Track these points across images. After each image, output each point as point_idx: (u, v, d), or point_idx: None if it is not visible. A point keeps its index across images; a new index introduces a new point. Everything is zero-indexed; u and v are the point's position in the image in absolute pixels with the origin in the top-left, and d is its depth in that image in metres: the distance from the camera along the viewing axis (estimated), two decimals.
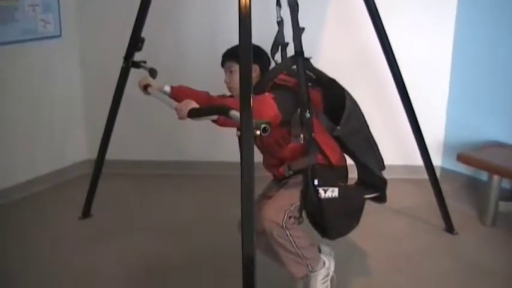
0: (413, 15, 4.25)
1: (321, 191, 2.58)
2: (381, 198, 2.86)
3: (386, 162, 4.43)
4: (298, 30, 2.59)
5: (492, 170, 3.68)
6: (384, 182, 2.83)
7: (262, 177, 2.66)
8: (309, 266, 2.73)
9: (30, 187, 4.21)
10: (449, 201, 3.72)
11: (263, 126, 2.17)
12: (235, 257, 2.48)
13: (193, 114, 2.44)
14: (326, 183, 2.59)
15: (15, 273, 3.21)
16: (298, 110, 2.55)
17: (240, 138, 2.17)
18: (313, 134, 2.58)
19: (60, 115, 4.43)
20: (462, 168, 4.26)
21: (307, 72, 2.66)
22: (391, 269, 3.27)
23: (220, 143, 4.20)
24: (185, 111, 2.41)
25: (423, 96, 4.11)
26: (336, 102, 2.66)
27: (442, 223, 3.68)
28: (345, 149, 2.76)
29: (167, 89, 2.95)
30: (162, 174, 4.53)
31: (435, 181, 3.62)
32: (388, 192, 4.21)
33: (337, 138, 2.71)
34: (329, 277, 2.85)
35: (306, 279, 2.81)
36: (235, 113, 2.23)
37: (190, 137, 4.41)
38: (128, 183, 4.44)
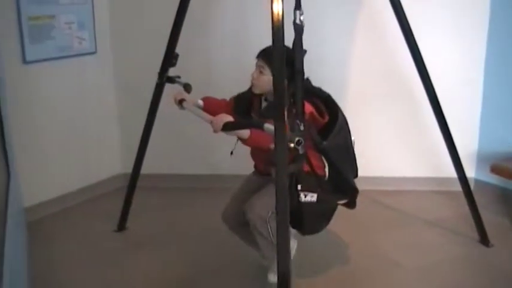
0: (445, 27, 4.24)
1: (302, 195, 2.80)
2: (351, 204, 3.06)
3: (418, 174, 4.48)
4: (300, 52, 2.67)
5: None
6: (355, 190, 3.03)
7: None
8: None
9: (65, 201, 4.29)
10: (484, 213, 3.68)
11: (297, 139, 2.21)
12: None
13: (227, 127, 2.49)
14: (307, 189, 2.81)
15: (52, 287, 3.26)
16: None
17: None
18: None
19: (95, 130, 4.50)
20: (496, 180, 4.23)
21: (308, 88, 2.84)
22: (425, 280, 3.25)
23: None
24: (220, 124, 2.49)
25: (456, 108, 4.09)
26: (329, 117, 2.88)
27: (477, 235, 3.65)
28: (326, 158, 2.94)
29: (201, 103, 3.04)
30: (196, 188, 4.57)
31: (469, 193, 3.59)
32: (422, 203, 4.24)
33: (321, 150, 2.87)
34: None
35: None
36: (269, 126, 2.27)
37: (223, 151, 4.43)
38: (162, 197, 4.48)
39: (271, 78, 2.77)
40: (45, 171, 4.15)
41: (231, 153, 3.02)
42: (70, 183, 4.35)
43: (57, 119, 4.19)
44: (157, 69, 3.55)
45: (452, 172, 3.60)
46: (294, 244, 3.15)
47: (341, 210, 3.06)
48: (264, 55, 2.88)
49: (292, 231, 3.01)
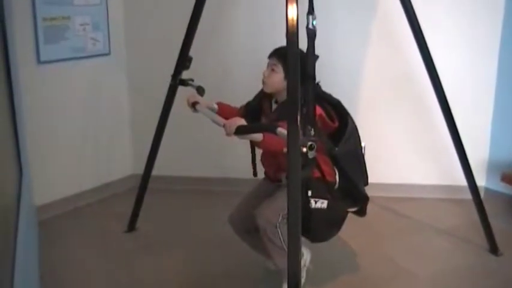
0: (457, 34, 4.24)
1: (312, 201, 2.79)
2: (361, 212, 3.07)
3: (429, 182, 4.47)
4: (313, 57, 2.70)
5: None
6: (366, 198, 3.04)
7: None
8: None
9: (77, 201, 4.31)
10: (493, 222, 3.66)
11: (309, 143, 2.21)
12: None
13: (240, 131, 2.51)
14: (317, 195, 2.80)
15: (62, 286, 3.28)
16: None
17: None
18: None
19: (108, 130, 4.53)
20: (506, 189, 4.22)
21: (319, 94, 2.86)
22: None
23: None
24: (233, 128, 2.50)
25: (467, 116, 4.09)
26: (339, 123, 2.89)
27: (486, 244, 3.64)
28: (337, 165, 2.94)
29: (215, 106, 3.06)
30: (208, 191, 4.59)
31: (479, 201, 3.59)
32: (432, 211, 4.24)
33: (332, 156, 2.89)
34: (305, 268, 3.10)
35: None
36: (282, 130, 2.28)
37: (234, 154, 4.45)
38: (173, 199, 4.50)
39: (282, 76, 2.84)
40: (58, 170, 4.18)
41: (255, 175, 3.08)
42: (82, 183, 4.38)
43: (70, 119, 4.22)
44: (171, 71, 3.57)
45: (463, 180, 3.60)
46: (307, 255, 3.14)
47: (351, 217, 3.07)
48: (277, 54, 2.90)
49: (305, 242, 3.01)
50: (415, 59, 3.50)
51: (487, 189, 4.40)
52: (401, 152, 4.47)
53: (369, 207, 3.07)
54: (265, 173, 3.18)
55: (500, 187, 4.23)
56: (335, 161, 2.90)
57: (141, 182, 3.89)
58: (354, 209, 3.02)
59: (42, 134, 4.02)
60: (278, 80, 2.87)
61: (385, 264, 3.50)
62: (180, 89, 3.54)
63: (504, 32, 4.20)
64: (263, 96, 3.03)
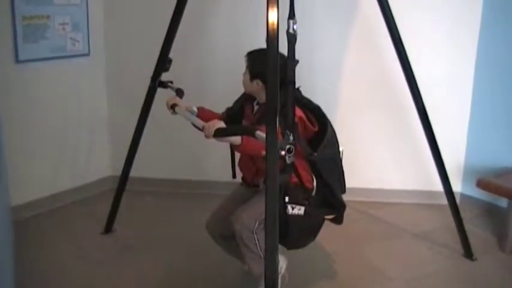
0: (435, 39, 4.28)
1: (289, 207, 2.77)
2: (338, 220, 3.01)
3: (406, 187, 4.51)
4: (293, 62, 2.71)
5: None
6: (343, 206, 2.99)
7: None
8: None
9: (54, 201, 4.28)
10: (469, 227, 3.72)
11: (288, 146, 2.22)
12: None
13: (219, 133, 2.51)
14: (295, 201, 2.79)
15: (37, 286, 3.26)
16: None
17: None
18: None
19: (86, 131, 4.51)
20: (482, 195, 4.26)
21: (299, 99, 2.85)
22: None
23: None
24: (212, 130, 2.50)
25: (444, 122, 4.13)
26: (318, 128, 2.87)
27: (461, 248, 3.68)
28: (315, 171, 2.92)
29: (195, 109, 3.05)
30: (185, 193, 4.58)
31: (454, 207, 3.62)
32: (409, 216, 4.26)
33: (311, 162, 2.86)
34: (280, 275, 3.03)
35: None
36: (260, 133, 2.29)
37: (214, 157, 4.45)
38: (152, 201, 4.50)
39: (248, 78, 2.86)
40: (35, 170, 4.15)
41: (234, 176, 3.08)
42: (60, 183, 4.35)
43: (48, 119, 4.19)
44: (151, 73, 3.56)
45: (439, 185, 3.63)
46: (283, 263, 3.10)
47: (327, 222, 3.07)
48: (247, 56, 2.93)
49: (281, 249, 3.00)
50: (394, 65, 3.51)
51: (462, 195, 4.44)
52: (379, 157, 4.49)
53: (346, 211, 3.07)
54: (243, 177, 3.17)
55: (476, 193, 4.26)
56: (313, 167, 2.87)
57: (118, 184, 3.87)
58: (330, 217, 2.98)
59: (19, 133, 3.98)
60: (245, 81, 2.90)
61: (362, 268, 3.51)
62: (161, 91, 3.53)
63: (481, 39, 4.25)
64: (246, 99, 3.03)
